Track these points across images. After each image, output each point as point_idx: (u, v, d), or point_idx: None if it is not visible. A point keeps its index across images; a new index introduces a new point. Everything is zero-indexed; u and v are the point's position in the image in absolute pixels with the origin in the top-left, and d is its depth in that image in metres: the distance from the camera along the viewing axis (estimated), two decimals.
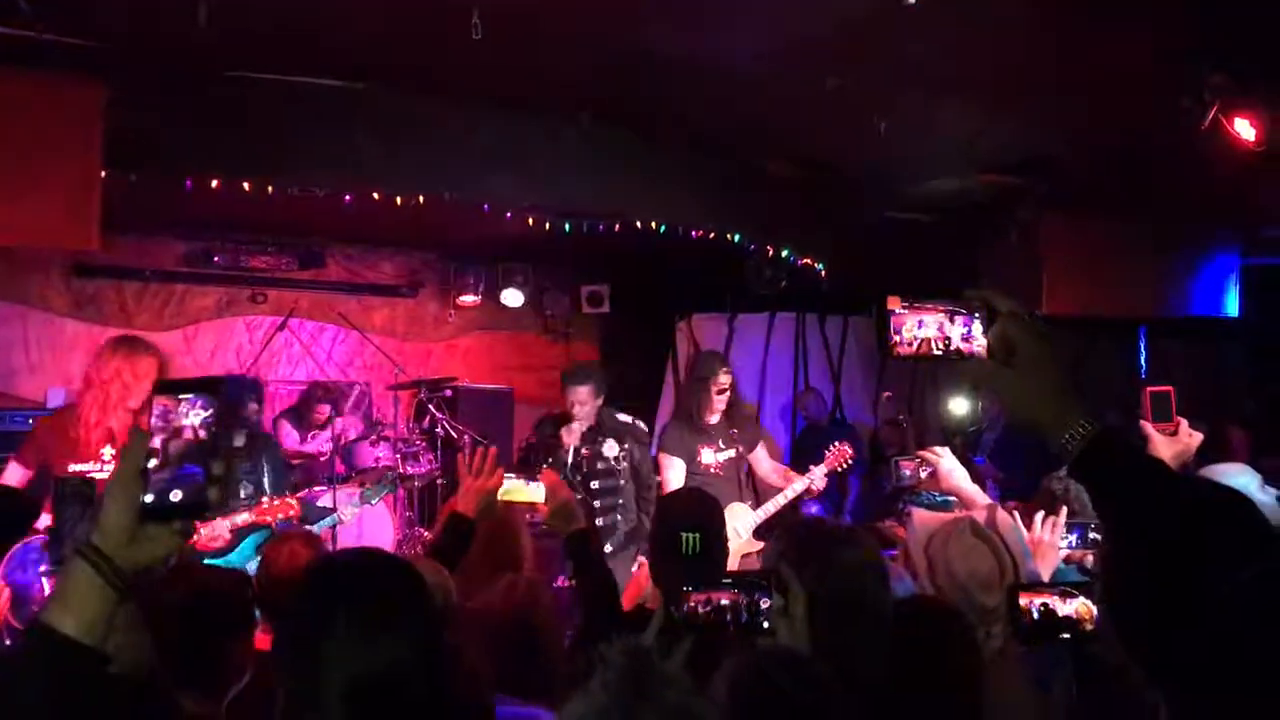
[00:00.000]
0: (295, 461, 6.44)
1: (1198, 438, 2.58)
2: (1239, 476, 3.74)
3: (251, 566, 4.13)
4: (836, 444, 5.84)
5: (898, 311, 1.52)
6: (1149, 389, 2.58)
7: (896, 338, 1.52)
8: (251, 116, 5.11)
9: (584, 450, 5.36)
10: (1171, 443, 2.55)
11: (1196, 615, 1.11)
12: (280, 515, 4.39)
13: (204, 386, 1.37)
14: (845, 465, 5.72)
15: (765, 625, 1.79)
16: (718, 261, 7.42)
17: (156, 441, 1.33)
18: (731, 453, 5.70)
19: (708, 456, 5.64)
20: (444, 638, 1.62)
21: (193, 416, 1.34)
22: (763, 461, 5.86)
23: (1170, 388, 2.61)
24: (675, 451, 5.62)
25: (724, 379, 5.64)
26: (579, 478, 5.27)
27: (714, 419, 5.66)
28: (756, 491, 6.19)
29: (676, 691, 1.04)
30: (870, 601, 2.05)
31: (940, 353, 1.52)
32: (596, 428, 5.41)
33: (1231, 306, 6.26)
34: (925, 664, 2.48)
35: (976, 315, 1.53)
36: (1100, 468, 1.43)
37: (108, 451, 3.96)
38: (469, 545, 2.86)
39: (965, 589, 2.86)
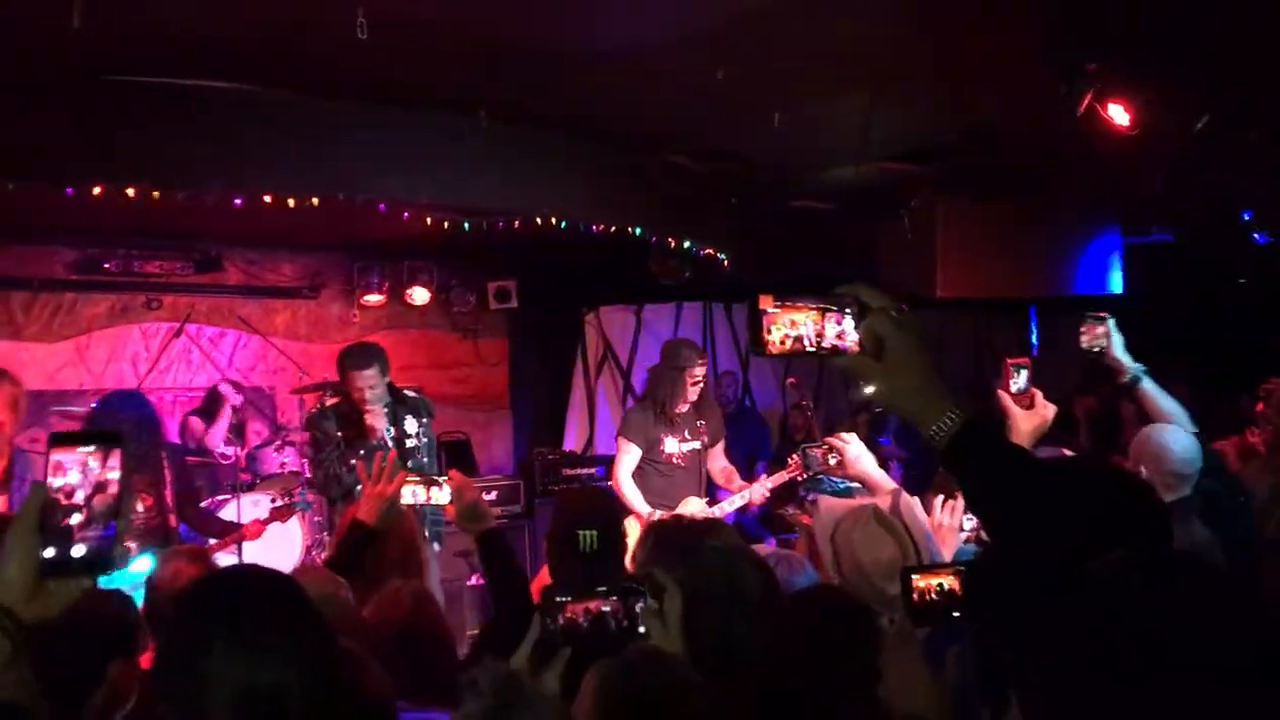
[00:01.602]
0: (194, 460, 6.33)
1: (1052, 409, 2.67)
2: (1175, 430, 3.84)
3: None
4: (795, 456, 5.77)
5: (770, 310, 1.54)
6: (1008, 360, 2.66)
7: (769, 336, 1.54)
8: (134, 121, 4.97)
9: (392, 431, 5.11)
10: (1029, 415, 2.63)
11: (1059, 601, 1.16)
12: None
13: (102, 438, 1.35)
14: (802, 478, 5.64)
15: (641, 629, 1.80)
16: (624, 253, 7.45)
17: (80, 496, 1.31)
18: (696, 444, 5.65)
19: (671, 446, 5.58)
20: (331, 653, 1.61)
21: (110, 471, 1.33)
22: (718, 459, 5.82)
23: (1028, 359, 2.69)
24: (635, 438, 5.56)
25: (699, 370, 5.57)
26: None
27: (684, 409, 5.60)
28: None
29: (540, 714, 1.06)
30: (744, 586, 2.08)
31: (812, 350, 1.55)
32: (397, 406, 5.18)
33: (1115, 284, 6.50)
34: (826, 652, 2.53)
35: (848, 311, 1.56)
36: (966, 459, 1.48)
37: None
38: (368, 553, 2.85)
39: (869, 578, 2.92)
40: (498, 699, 1.05)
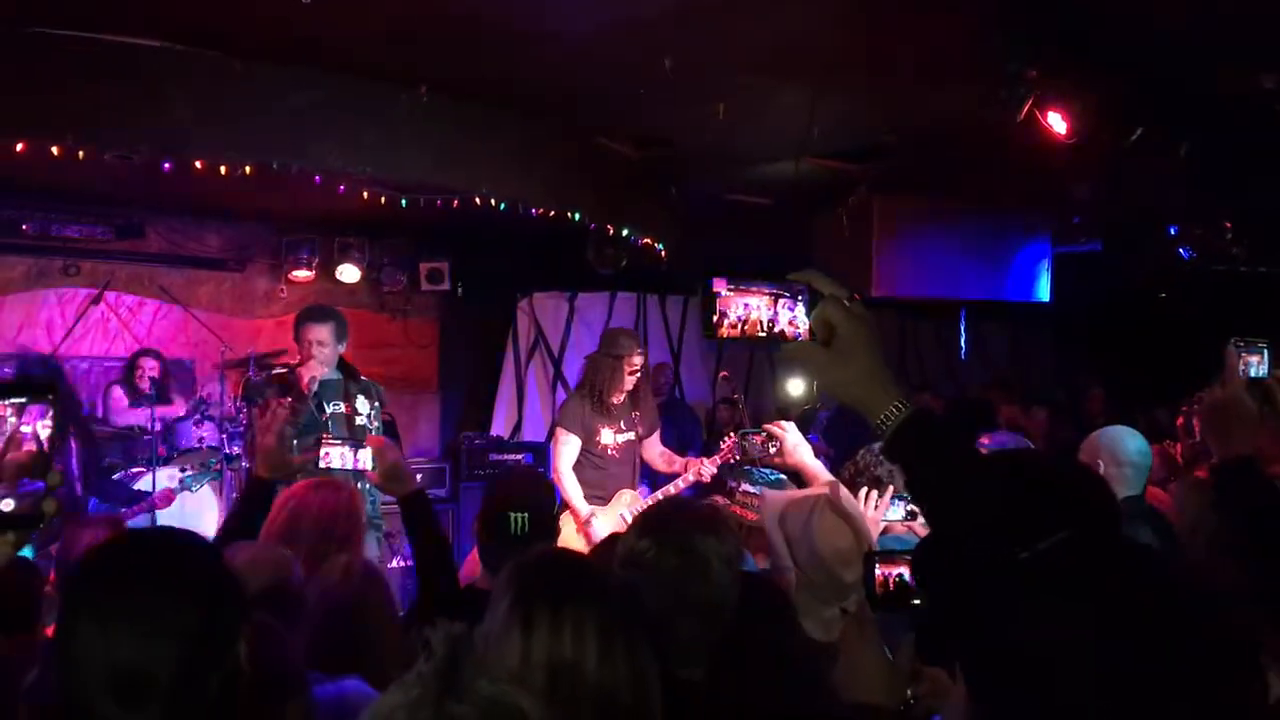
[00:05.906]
0: (108, 433, 6.14)
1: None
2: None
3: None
4: (731, 435, 5.75)
5: (723, 293, 1.53)
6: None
7: (722, 318, 1.52)
8: (60, 77, 4.77)
9: (342, 406, 4.91)
10: None
11: (994, 588, 1.15)
12: None
13: (26, 389, 1.29)
14: (735, 458, 5.61)
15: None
16: (560, 239, 7.39)
17: None
18: (631, 435, 5.53)
19: (607, 437, 5.45)
20: (235, 622, 1.53)
21: (38, 426, 1.28)
22: (654, 446, 5.71)
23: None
24: (573, 428, 5.40)
25: (637, 359, 5.42)
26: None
27: (619, 399, 5.46)
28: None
29: (491, 683, 1.02)
30: (709, 590, 2.06)
31: (764, 334, 1.54)
32: (349, 382, 4.99)
33: (1043, 292, 6.62)
34: (758, 636, 2.52)
35: (800, 298, 1.55)
36: (911, 449, 1.47)
37: None
38: (265, 510, 2.75)
39: (827, 566, 2.92)
40: (446, 661, 1.01)
